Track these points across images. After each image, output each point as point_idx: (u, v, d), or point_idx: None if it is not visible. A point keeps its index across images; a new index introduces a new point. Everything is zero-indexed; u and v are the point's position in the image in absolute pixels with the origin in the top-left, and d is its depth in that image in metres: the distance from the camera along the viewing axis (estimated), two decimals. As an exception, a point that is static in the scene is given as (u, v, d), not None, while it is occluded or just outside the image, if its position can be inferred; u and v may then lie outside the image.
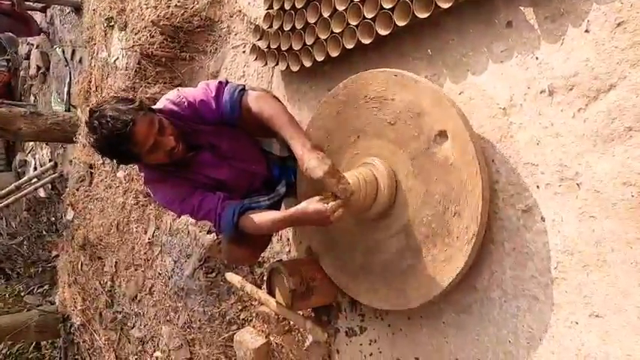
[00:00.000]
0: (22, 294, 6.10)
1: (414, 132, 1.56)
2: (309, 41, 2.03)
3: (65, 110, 5.85)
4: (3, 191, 6.20)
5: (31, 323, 5.03)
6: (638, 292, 1.24)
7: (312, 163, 1.51)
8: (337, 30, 1.89)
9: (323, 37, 1.96)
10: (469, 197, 1.44)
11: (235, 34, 2.86)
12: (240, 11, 2.77)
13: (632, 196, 1.24)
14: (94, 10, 4.62)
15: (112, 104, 1.60)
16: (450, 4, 1.51)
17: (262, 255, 2.50)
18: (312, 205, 1.55)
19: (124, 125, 1.54)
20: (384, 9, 1.70)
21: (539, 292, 1.44)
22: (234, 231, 1.79)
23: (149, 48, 3.22)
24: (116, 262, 4.14)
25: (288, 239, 2.48)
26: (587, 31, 1.32)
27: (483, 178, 1.42)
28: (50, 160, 6.47)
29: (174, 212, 2.02)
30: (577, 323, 1.36)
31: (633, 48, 1.22)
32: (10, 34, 6.96)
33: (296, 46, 2.10)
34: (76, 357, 5.00)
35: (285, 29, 2.13)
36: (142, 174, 1.91)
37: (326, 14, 1.93)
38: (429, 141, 1.53)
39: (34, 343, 5.56)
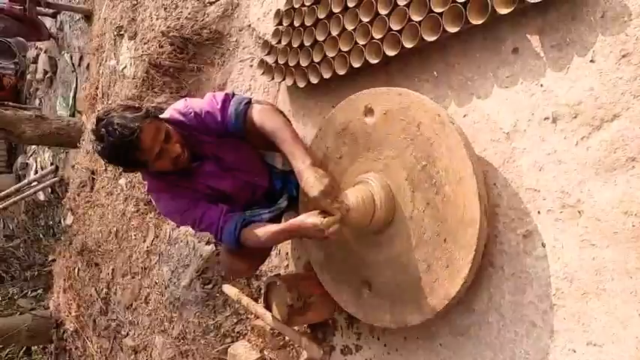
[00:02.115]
0: (16, 297, 6.05)
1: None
2: (317, 58, 2.06)
3: (70, 115, 5.89)
4: (2, 193, 6.20)
5: (23, 327, 4.97)
6: (637, 322, 1.24)
7: (310, 182, 1.52)
8: (345, 48, 1.92)
9: (331, 54, 1.98)
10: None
11: (244, 48, 2.90)
12: (249, 26, 2.81)
13: (633, 225, 1.25)
14: (104, 18, 4.68)
15: (119, 112, 1.62)
16: (458, 29, 1.54)
17: (260, 268, 2.49)
18: (309, 218, 1.56)
19: (131, 133, 1.56)
20: (393, 30, 1.72)
21: (538, 318, 1.44)
22: (236, 244, 1.79)
23: (157, 58, 3.26)
24: (113, 270, 4.12)
25: (287, 253, 2.48)
26: (592, 61, 1.34)
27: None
28: (51, 164, 6.49)
29: (175, 222, 2.02)
30: (574, 351, 1.35)
31: (637, 80, 1.24)
32: (20, 38, 7.02)
33: (303, 63, 2.12)
34: (67, 364, 4.94)
35: (294, 45, 2.16)
36: (145, 182, 1.92)
37: (334, 33, 1.96)
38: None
39: (25, 347, 5.49)
